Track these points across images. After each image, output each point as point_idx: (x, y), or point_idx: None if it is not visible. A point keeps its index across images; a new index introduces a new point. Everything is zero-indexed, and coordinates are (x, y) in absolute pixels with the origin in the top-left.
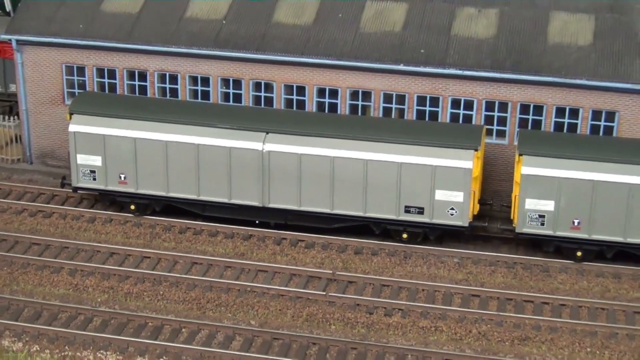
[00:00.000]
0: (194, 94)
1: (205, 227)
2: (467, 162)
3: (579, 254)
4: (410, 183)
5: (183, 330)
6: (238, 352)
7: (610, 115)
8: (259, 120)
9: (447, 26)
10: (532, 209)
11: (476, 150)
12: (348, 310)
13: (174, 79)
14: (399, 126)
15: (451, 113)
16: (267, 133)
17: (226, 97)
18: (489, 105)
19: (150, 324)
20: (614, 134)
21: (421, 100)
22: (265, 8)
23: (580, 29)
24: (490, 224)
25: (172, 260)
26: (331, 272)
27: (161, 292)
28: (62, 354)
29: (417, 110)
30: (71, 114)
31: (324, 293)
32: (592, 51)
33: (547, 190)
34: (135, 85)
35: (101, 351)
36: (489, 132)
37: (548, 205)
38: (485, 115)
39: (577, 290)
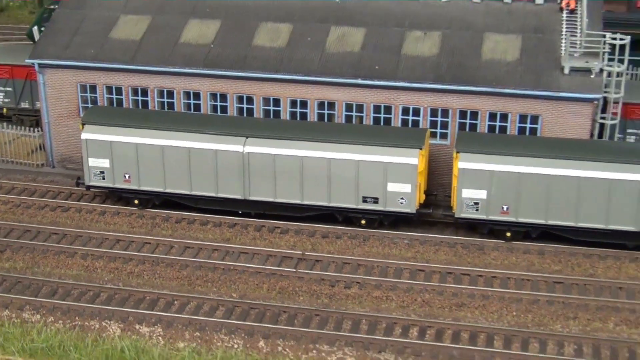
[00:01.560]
0: (188, 106)
1: (197, 217)
2: (413, 159)
3: (508, 234)
4: (367, 177)
5: (175, 302)
6: (221, 319)
7: (535, 119)
8: (240, 127)
9: (398, 47)
10: (468, 197)
11: (420, 149)
12: (314, 284)
13: (170, 94)
14: (357, 130)
15: (402, 119)
16: (247, 137)
17: (214, 108)
18: (433, 112)
19: (147, 297)
20: (538, 134)
21: (376, 108)
22: (246, 34)
23: (509, 47)
24: (435, 210)
25: (169, 245)
26: (301, 252)
27: (158, 272)
28: (73, 323)
29: (374, 117)
30: (83, 124)
31: (295, 270)
32: (519, 65)
33: (480, 181)
34: (138, 100)
35: (106, 320)
36: (434, 135)
37: (481, 194)
38: (430, 121)
39: (507, 265)
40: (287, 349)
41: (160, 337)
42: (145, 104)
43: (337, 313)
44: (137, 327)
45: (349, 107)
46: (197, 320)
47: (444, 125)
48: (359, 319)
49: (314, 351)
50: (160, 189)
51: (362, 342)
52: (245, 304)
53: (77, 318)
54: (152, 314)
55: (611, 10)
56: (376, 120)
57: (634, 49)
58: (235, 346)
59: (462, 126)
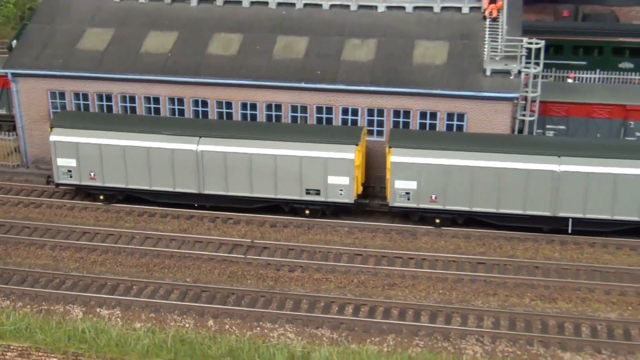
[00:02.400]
0: (148, 110)
1: (157, 210)
2: (350, 154)
3: (437, 221)
4: (309, 171)
5: (134, 287)
6: (175, 302)
7: (461, 116)
8: (195, 128)
9: (337, 53)
10: (400, 188)
11: (357, 145)
12: (261, 269)
13: (132, 99)
14: (300, 129)
15: (342, 118)
16: (200, 137)
17: (172, 112)
18: (370, 112)
19: (109, 283)
20: (464, 130)
21: (319, 109)
22: (201, 44)
23: (438, 52)
24: (372, 201)
25: (130, 236)
26: (250, 241)
27: (119, 260)
28: (40, 308)
29: (317, 117)
30: (52, 127)
31: (244, 256)
32: (446, 68)
33: (411, 173)
34: (103, 105)
35: (69, 305)
36: (371, 132)
37: (412, 185)
38: (367, 120)
39: (436, 248)
40: (233, 327)
41: (119, 319)
42: (109, 108)
43: (280, 294)
44: (98, 310)
45: (294, 109)
46: (153, 303)
47: (380, 124)
48: (300, 299)
49: (258, 328)
50: (123, 185)
51: (301, 319)
52: (198, 287)
53: (43, 303)
54: (112, 298)
55: (540, 18)
56: (319, 120)
57: (559, 53)
58: (187, 325)
59: (396, 124)
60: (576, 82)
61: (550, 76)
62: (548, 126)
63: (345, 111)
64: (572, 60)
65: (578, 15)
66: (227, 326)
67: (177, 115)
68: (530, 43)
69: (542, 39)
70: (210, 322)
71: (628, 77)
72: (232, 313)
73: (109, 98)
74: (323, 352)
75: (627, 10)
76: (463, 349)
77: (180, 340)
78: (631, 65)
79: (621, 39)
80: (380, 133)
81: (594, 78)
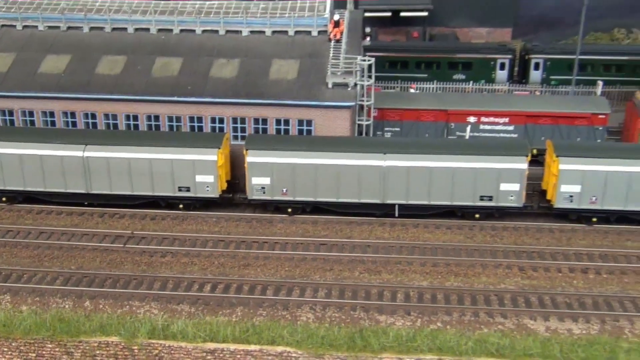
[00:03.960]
0: (45, 123)
1: (54, 209)
2: (213, 156)
3: (289, 210)
4: (180, 172)
5: (24, 275)
6: (58, 287)
7: (309, 122)
8: (82, 137)
9: (206, 71)
10: (257, 184)
11: (219, 148)
12: (137, 256)
13: (31, 114)
14: (172, 136)
15: (211, 126)
16: (86, 145)
17: (67, 124)
18: (234, 120)
19: (3, 273)
20: (312, 134)
21: (191, 119)
22: (90, 65)
23: (290, 69)
24: (236, 195)
25: (27, 232)
26: (130, 232)
27: (15, 253)
28: None
29: (190, 125)
30: None
31: (123, 245)
32: (297, 82)
33: (265, 171)
34: (6, 119)
35: None
36: (236, 137)
37: (266, 181)
38: (233, 127)
39: (287, 233)
40: (106, 307)
41: (8, 303)
42: (12, 122)
43: (151, 277)
44: None
45: (170, 119)
46: (39, 289)
47: (243, 130)
48: (167, 280)
49: (127, 306)
50: (21, 188)
51: (165, 297)
52: (80, 273)
53: None
54: (2, 285)
55: (396, 39)
56: (192, 128)
57: (405, 67)
58: (66, 307)
59: (256, 130)
60: (417, 91)
61: (396, 87)
62: (386, 128)
63: (213, 120)
64: (416, 73)
65: (426, 36)
66: (101, 306)
67: (71, 127)
68: (363, 60)
69: (392, 56)
70: (87, 303)
71: (460, 86)
72: (107, 294)
73: (10, 113)
74: (180, 324)
75: (467, 30)
76: (298, 317)
77: (59, 319)
78: (463, 77)
79: (455, 55)
80: (243, 138)
81: (433, 88)
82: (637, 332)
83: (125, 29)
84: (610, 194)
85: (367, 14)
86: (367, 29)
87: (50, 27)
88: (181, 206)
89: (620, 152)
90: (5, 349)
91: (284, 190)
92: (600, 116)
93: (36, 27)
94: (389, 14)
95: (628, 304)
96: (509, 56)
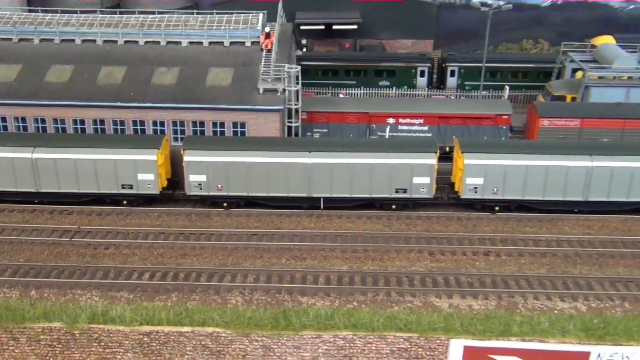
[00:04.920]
0: None
1: (6, 207)
2: (153, 156)
3: (225, 204)
4: (123, 171)
5: None
6: (6, 278)
7: (243, 124)
8: (31, 140)
9: (148, 78)
10: (194, 181)
11: (158, 149)
12: (82, 248)
13: None
14: (115, 139)
15: (152, 129)
16: (35, 147)
17: (17, 128)
18: (174, 123)
19: None
20: (245, 135)
21: (135, 122)
22: (40, 73)
23: (225, 76)
24: (176, 191)
25: None
26: (77, 226)
27: None
28: None
29: (133, 129)
30: None
31: (69, 239)
32: (231, 88)
33: (201, 169)
34: None
35: None
36: (176, 139)
37: (202, 178)
38: (173, 129)
39: (223, 225)
40: (51, 295)
41: None
42: None
43: (93, 267)
44: None
45: (115, 123)
46: None
47: (182, 132)
48: (108, 270)
49: (70, 295)
50: None
51: (106, 285)
52: (27, 265)
53: None
54: None
55: (329, 50)
56: (135, 131)
57: (337, 75)
58: (13, 296)
59: (195, 132)
60: (346, 96)
61: (328, 93)
62: (315, 130)
63: (155, 123)
64: (345, 80)
65: (356, 47)
66: (46, 294)
67: (21, 131)
68: (291, 68)
69: (324, 65)
70: (33, 292)
71: (385, 91)
72: (52, 284)
73: None
74: (119, 309)
75: (393, 42)
76: (228, 300)
77: (5, 308)
78: (388, 83)
79: (380, 64)
80: (182, 139)
81: (360, 93)
82: (529, 306)
83: (73, 40)
84: (509, 186)
85: (303, 27)
86: (304, 41)
87: (2, 39)
88: (125, 202)
89: (518, 148)
90: None
91: (219, 186)
92: (503, 117)
93: None
94: (322, 27)
95: (523, 282)
96: (428, 64)
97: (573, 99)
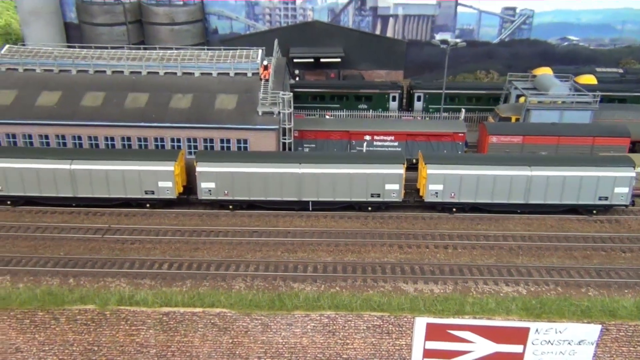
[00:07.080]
0: (41, 144)
1: (49, 209)
2: (170, 167)
3: (231, 207)
4: (146, 179)
5: (22, 260)
6: (49, 269)
7: (245, 141)
8: (70, 154)
9: (167, 103)
10: (205, 187)
11: (175, 161)
12: (112, 243)
13: (30, 137)
14: (139, 153)
15: (171, 145)
16: (72, 160)
17: (58, 144)
18: (189, 140)
19: (5, 259)
20: (248, 150)
21: (156, 139)
22: (77, 99)
23: (230, 102)
24: (190, 196)
25: (26, 227)
26: (108, 225)
27: (15, 243)
28: None
29: (154, 144)
30: None
31: (101, 236)
32: (235, 111)
33: (210, 178)
34: (10, 141)
35: None
36: (190, 153)
37: (212, 185)
38: (187, 145)
39: (230, 224)
40: (86, 283)
41: (7, 282)
42: (14, 143)
43: (122, 259)
44: None
45: (139, 140)
46: (33, 270)
47: (195, 147)
48: (134, 261)
49: (102, 282)
50: (22, 194)
51: (132, 274)
52: (67, 258)
53: None
54: (3, 269)
55: (317, 79)
56: (156, 147)
57: (323, 100)
58: (54, 283)
59: (205, 147)
60: (331, 117)
61: (316, 114)
62: (305, 145)
63: (172, 140)
64: (330, 104)
65: (340, 76)
66: (81, 282)
67: (61, 147)
68: (284, 95)
69: (312, 91)
70: (71, 280)
71: (364, 113)
72: (86, 273)
73: (13, 136)
74: (142, 294)
75: (371, 72)
76: (233, 286)
77: (48, 293)
78: (366, 106)
79: (359, 91)
80: (195, 153)
81: (343, 115)
82: (480, 290)
83: (105, 71)
84: (464, 191)
85: (296, 60)
86: (296, 71)
87: (45, 70)
88: (148, 205)
89: (472, 160)
90: (5, 317)
91: (226, 192)
92: (460, 134)
93: (34, 70)
94: (312, 60)
95: (475, 270)
96: (399, 91)
97: (517, 119)
